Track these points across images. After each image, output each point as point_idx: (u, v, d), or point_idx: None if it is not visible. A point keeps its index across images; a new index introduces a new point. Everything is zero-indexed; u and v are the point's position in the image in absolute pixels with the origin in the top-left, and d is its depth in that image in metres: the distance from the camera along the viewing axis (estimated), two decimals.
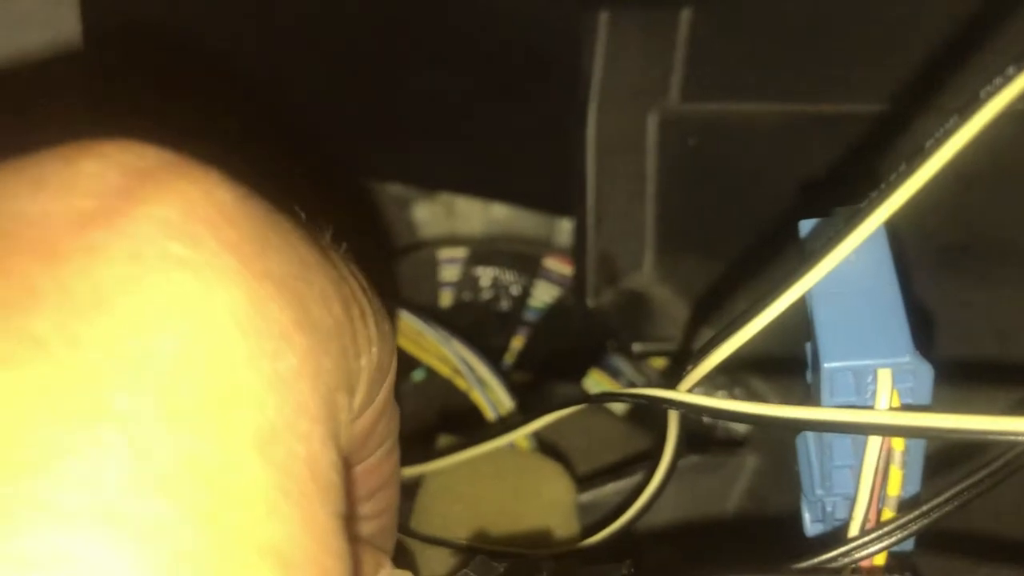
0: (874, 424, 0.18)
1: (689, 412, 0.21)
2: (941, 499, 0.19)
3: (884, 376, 0.19)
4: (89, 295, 0.13)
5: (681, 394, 0.21)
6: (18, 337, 0.13)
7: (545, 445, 0.35)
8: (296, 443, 0.14)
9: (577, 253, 0.37)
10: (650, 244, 0.37)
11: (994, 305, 0.28)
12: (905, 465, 0.20)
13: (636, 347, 0.38)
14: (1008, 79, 0.15)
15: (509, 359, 0.47)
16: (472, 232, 0.61)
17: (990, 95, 0.16)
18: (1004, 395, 0.27)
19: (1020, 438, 0.17)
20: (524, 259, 0.46)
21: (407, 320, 0.37)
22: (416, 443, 0.36)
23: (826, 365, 0.19)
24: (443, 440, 0.34)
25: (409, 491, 0.33)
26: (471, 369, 0.35)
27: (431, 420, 0.41)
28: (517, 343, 0.47)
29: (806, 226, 0.22)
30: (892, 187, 0.18)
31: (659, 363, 0.42)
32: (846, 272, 0.19)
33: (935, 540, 0.22)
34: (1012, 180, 0.27)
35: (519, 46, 0.38)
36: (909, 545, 0.22)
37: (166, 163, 0.15)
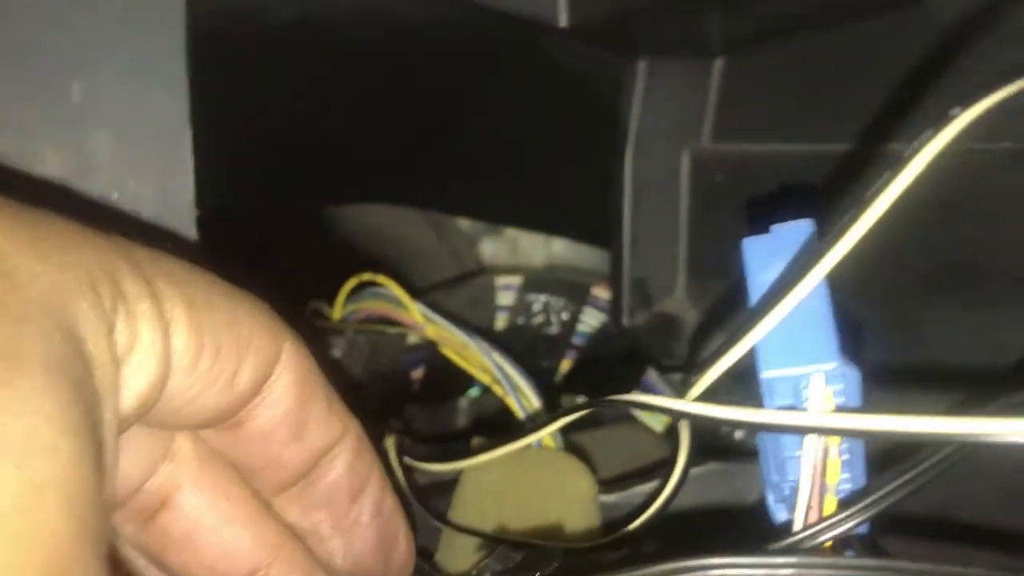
0: (808, 426, 0.21)
1: (692, 421, 0.24)
2: (878, 495, 0.21)
3: (817, 380, 0.22)
4: None
5: (683, 403, 0.23)
6: None
7: (578, 450, 0.39)
8: None
9: (614, 278, 0.40)
10: (682, 271, 0.40)
11: (981, 325, 0.30)
12: (844, 456, 0.23)
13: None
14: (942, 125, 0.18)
15: (558, 380, 0.51)
16: (533, 264, 0.65)
17: (919, 145, 0.18)
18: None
19: (945, 438, 0.19)
20: (574, 287, 0.50)
21: (455, 335, 0.41)
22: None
23: (763, 375, 0.22)
24: (476, 441, 0.37)
25: (449, 486, 0.36)
26: (507, 376, 0.38)
27: (482, 430, 0.45)
28: (566, 365, 0.51)
29: (750, 244, 0.24)
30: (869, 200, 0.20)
31: None
32: (780, 283, 0.22)
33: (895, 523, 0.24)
34: (993, 207, 0.30)
35: (568, 92, 0.42)
36: (864, 528, 0.24)
37: None
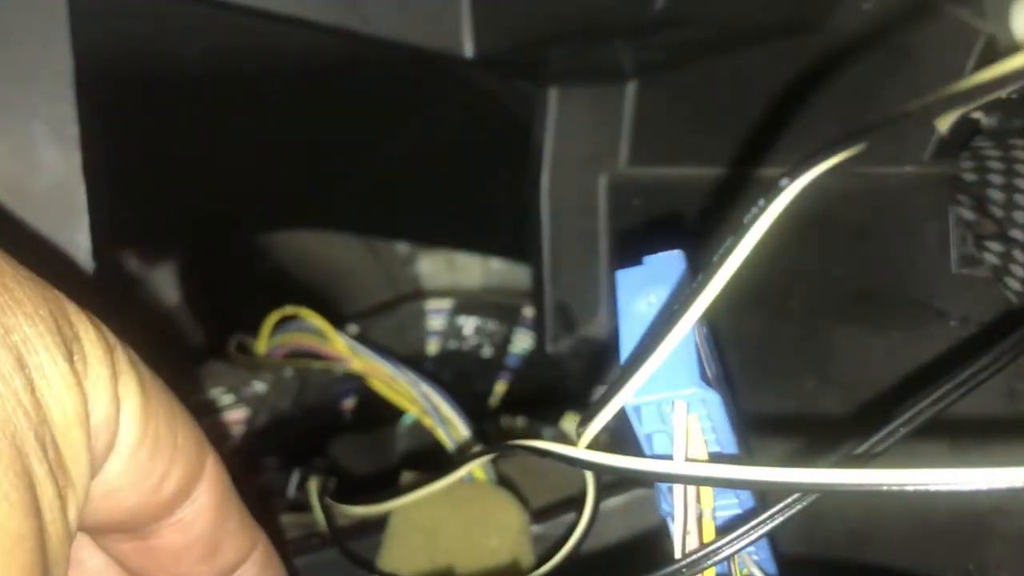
0: (673, 475, 0.21)
1: (585, 468, 0.24)
2: (753, 523, 0.22)
3: (680, 406, 0.22)
4: None
5: (576, 450, 0.23)
6: None
7: (507, 481, 0.38)
8: None
9: (536, 305, 0.40)
10: (604, 295, 0.40)
11: (890, 349, 0.31)
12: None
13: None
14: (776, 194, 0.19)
15: (493, 403, 0.51)
16: (471, 283, 0.65)
17: (756, 214, 0.19)
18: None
19: (789, 487, 0.19)
20: (504, 309, 0.50)
21: (382, 366, 0.40)
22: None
23: (628, 400, 0.22)
24: (406, 476, 0.37)
25: (380, 522, 0.36)
26: (435, 408, 0.38)
27: (416, 460, 0.45)
28: (500, 388, 0.51)
29: (623, 275, 0.24)
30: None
31: None
32: (646, 314, 0.22)
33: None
34: (900, 233, 0.30)
35: (484, 118, 0.42)
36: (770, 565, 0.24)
37: None
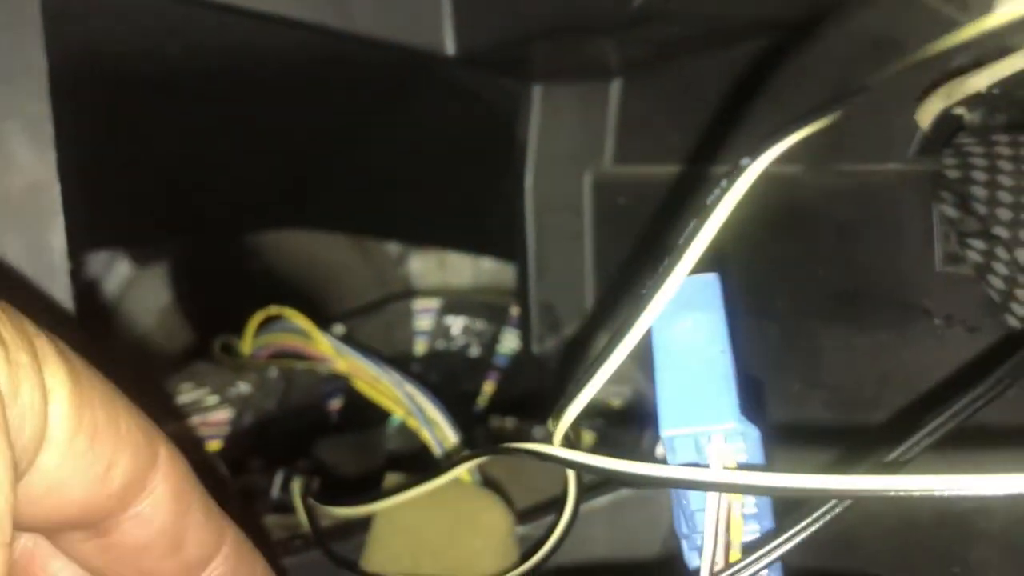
0: (707, 482, 0.21)
1: (560, 465, 0.24)
2: (776, 542, 0.21)
3: (717, 439, 0.21)
4: None
5: (551, 448, 0.23)
6: None
7: (492, 482, 0.38)
8: None
9: (521, 304, 0.40)
10: (589, 294, 0.40)
11: (875, 349, 0.30)
12: (747, 513, 0.23)
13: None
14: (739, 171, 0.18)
15: (482, 403, 0.51)
16: (462, 282, 0.64)
17: (719, 195, 0.18)
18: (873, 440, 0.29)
19: (826, 496, 0.19)
20: (492, 309, 0.50)
21: (367, 367, 0.40)
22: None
23: (663, 433, 0.22)
24: (390, 478, 0.37)
25: (364, 524, 0.36)
26: (420, 409, 0.38)
27: (403, 461, 0.45)
28: (489, 388, 0.50)
29: None
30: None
31: (615, 403, 0.45)
32: (685, 341, 0.22)
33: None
34: (885, 232, 0.30)
35: (468, 115, 0.41)
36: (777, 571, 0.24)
37: None
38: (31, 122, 0.29)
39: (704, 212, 0.19)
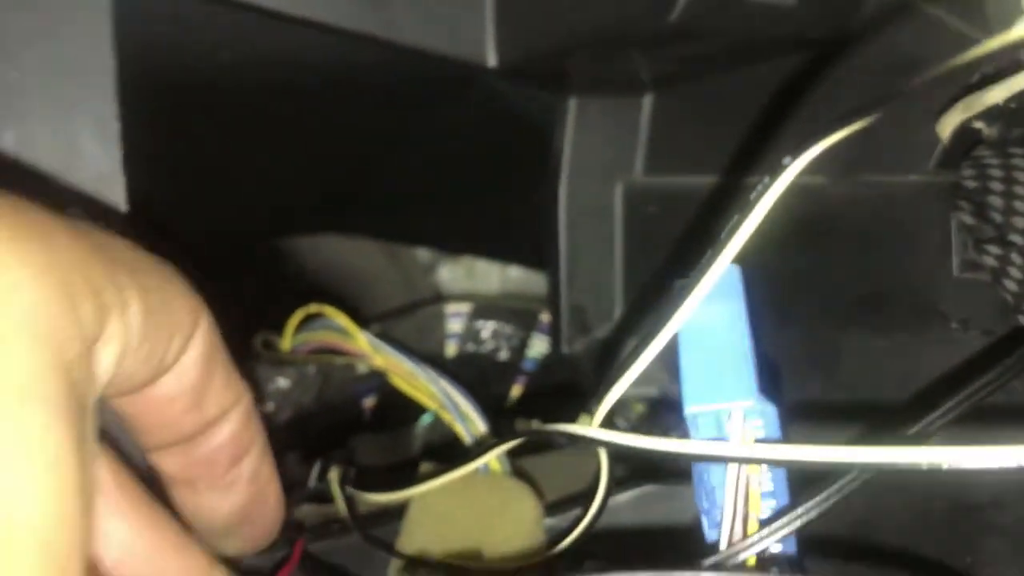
0: (729, 456, 0.23)
1: (592, 446, 0.25)
2: (794, 514, 0.23)
3: (737, 415, 0.23)
4: None
5: (586, 428, 0.25)
6: None
7: (522, 474, 0.40)
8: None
9: (552, 305, 0.42)
10: (619, 298, 0.41)
11: (894, 351, 0.32)
12: (764, 487, 0.24)
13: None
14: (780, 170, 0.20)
15: (510, 405, 0.52)
16: (490, 290, 0.66)
17: (762, 191, 0.20)
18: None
19: (846, 466, 0.20)
20: (522, 314, 0.51)
21: (403, 363, 0.42)
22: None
23: (687, 410, 0.24)
24: (424, 467, 0.38)
25: (399, 511, 0.37)
26: (454, 403, 0.39)
27: (433, 457, 0.46)
28: (516, 390, 0.52)
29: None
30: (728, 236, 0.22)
31: (638, 407, 0.47)
32: (706, 325, 0.23)
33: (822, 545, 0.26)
34: (904, 239, 0.32)
35: (504, 126, 0.43)
36: (791, 546, 0.25)
37: None
38: (99, 117, 0.31)
39: (747, 207, 0.20)
